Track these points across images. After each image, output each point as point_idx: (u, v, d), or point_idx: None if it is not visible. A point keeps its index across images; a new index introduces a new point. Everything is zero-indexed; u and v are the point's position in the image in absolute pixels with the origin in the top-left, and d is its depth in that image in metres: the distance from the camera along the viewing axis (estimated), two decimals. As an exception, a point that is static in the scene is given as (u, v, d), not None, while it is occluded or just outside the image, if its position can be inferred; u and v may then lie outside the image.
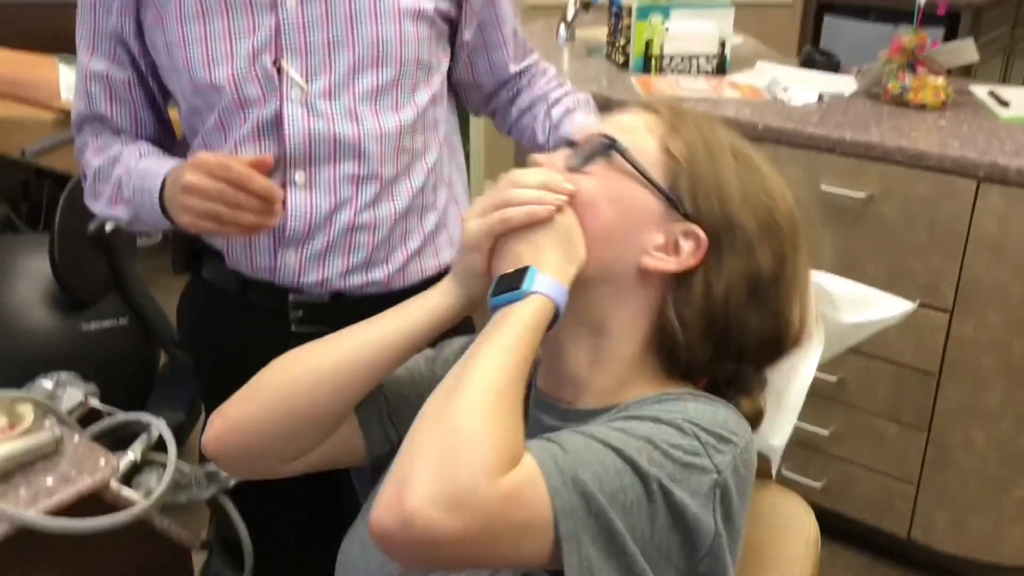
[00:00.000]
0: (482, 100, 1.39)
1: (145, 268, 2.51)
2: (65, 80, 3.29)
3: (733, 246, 0.84)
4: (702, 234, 0.84)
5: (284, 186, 1.16)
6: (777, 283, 0.87)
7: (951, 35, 3.62)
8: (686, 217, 0.84)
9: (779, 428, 1.04)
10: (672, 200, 0.85)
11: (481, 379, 0.72)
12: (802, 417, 2.22)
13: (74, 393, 1.26)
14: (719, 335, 0.85)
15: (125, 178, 1.20)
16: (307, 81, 1.14)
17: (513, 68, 1.35)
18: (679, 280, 0.84)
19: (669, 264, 0.84)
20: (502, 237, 0.84)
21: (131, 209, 1.21)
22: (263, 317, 1.25)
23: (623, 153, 0.86)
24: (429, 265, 1.28)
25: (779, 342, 0.89)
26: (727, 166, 0.87)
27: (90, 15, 1.20)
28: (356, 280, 1.22)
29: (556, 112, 1.34)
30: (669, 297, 0.85)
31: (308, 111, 1.15)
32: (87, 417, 1.31)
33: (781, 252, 0.87)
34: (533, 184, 0.83)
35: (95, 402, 1.31)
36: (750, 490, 0.80)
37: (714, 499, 0.75)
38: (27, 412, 1.10)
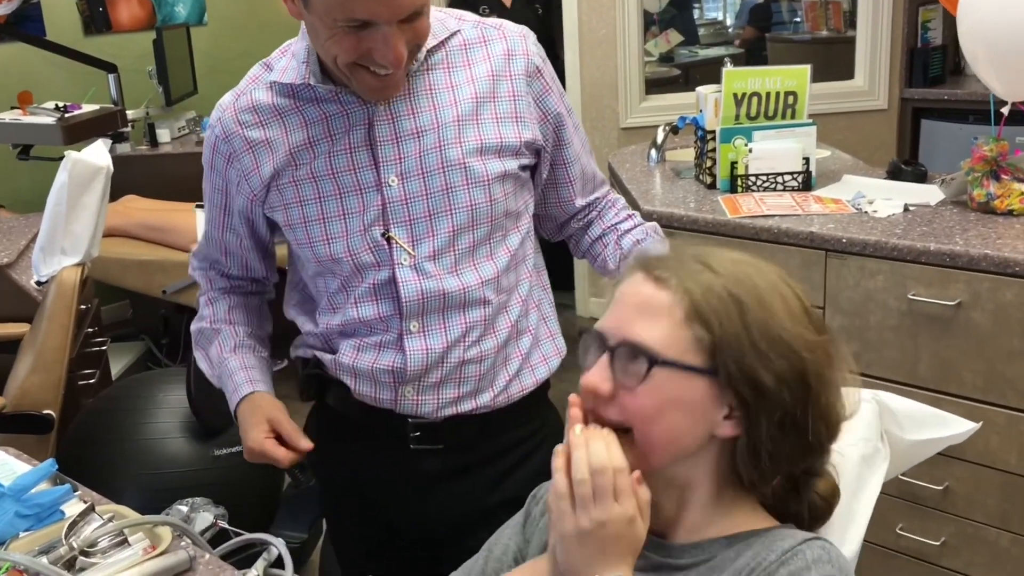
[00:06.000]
0: (555, 229, 1.51)
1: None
2: (201, 224, 3.61)
3: (782, 382, 0.91)
4: (754, 389, 0.90)
5: (401, 335, 1.30)
6: (826, 391, 0.94)
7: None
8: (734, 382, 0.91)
9: (849, 540, 1.08)
10: (719, 378, 0.91)
11: None
12: (911, 528, 2.20)
13: (206, 516, 1.41)
14: (789, 450, 0.94)
15: (216, 360, 1.44)
16: (413, 247, 1.27)
17: (580, 202, 1.46)
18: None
19: (739, 428, 0.92)
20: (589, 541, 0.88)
21: (216, 380, 1.46)
22: (384, 438, 1.37)
23: (667, 364, 0.91)
24: (528, 383, 1.38)
25: (834, 431, 0.98)
26: (742, 317, 0.92)
27: (218, 195, 1.38)
28: (466, 406, 1.34)
29: (626, 243, 1.45)
30: (739, 441, 0.93)
31: (417, 273, 1.28)
32: (218, 537, 1.45)
33: (820, 366, 0.93)
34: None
35: (224, 523, 1.45)
36: None
37: None
38: (166, 534, 1.24)
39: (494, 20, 1.34)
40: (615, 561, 0.88)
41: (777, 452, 0.93)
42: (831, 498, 1.02)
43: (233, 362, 1.42)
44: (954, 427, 1.17)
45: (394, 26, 1.13)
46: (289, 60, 1.29)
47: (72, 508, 1.26)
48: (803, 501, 1.00)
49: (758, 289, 0.94)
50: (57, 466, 1.30)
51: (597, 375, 0.94)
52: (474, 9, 1.38)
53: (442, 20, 1.29)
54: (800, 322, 0.94)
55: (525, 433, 1.41)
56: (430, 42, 1.25)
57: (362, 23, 1.12)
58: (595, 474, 0.88)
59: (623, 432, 0.93)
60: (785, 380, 0.91)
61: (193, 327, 1.48)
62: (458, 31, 1.30)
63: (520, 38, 1.33)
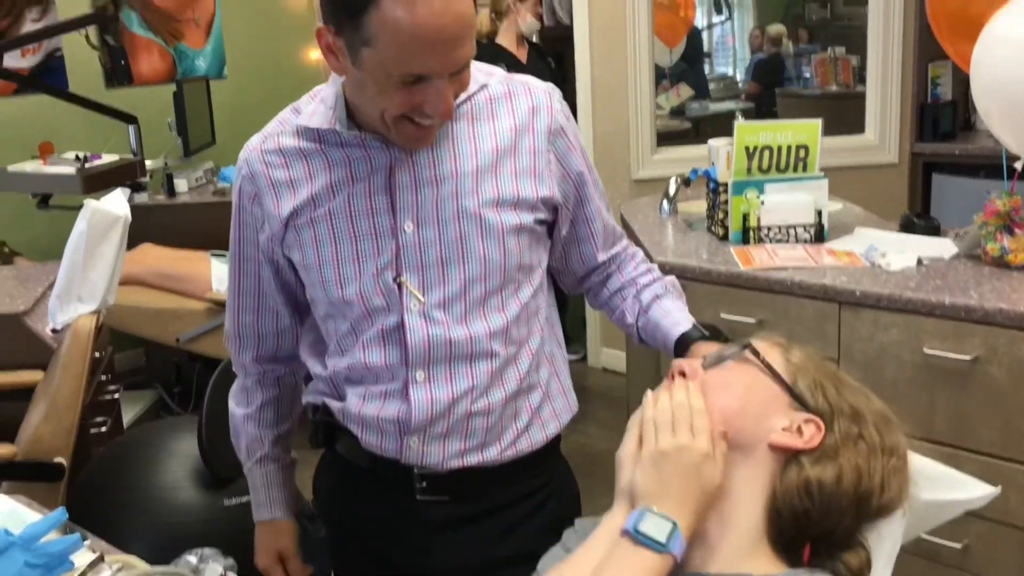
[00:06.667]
0: (575, 283, 1.51)
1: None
2: (216, 273, 3.64)
3: (840, 431, 1.04)
4: (820, 422, 1.03)
5: (407, 385, 1.30)
6: (876, 457, 1.03)
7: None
8: (806, 408, 1.05)
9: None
10: (795, 394, 1.06)
11: None
12: (929, 587, 2.14)
13: (215, 568, 1.40)
14: (829, 502, 0.99)
15: (243, 455, 1.53)
16: (423, 294, 1.28)
17: (601, 257, 1.47)
18: (797, 458, 1.02)
19: (796, 442, 1.02)
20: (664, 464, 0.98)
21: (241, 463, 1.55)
22: (391, 487, 1.37)
23: (757, 353, 1.09)
24: (537, 439, 1.38)
25: (877, 506, 1.03)
26: (826, 374, 1.10)
27: (248, 247, 1.39)
28: (473, 459, 1.33)
29: (645, 297, 1.45)
30: (789, 471, 1.01)
31: (426, 320, 1.28)
32: (226, 589, 1.44)
33: (876, 433, 1.05)
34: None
35: (232, 575, 1.44)
36: None
37: None
38: (175, 585, 1.24)
39: (521, 76, 1.35)
40: (677, 501, 0.96)
41: (841, 481, 1.00)
42: (860, 573, 1.03)
43: (258, 475, 1.52)
44: (972, 490, 1.16)
45: (445, 78, 1.15)
46: (317, 105, 1.30)
47: (82, 558, 1.25)
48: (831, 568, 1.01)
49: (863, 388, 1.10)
50: (68, 515, 1.30)
51: (690, 362, 1.12)
52: (494, 64, 1.40)
53: (471, 74, 1.31)
54: (884, 420, 1.07)
55: (534, 486, 1.39)
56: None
57: (416, 78, 1.14)
58: (675, 407, 1.02)
59: None
60: (861, 420, 1.05)
61: (232, 398, 1.54)
62: (485, 85, 1.32)
63: (545, 95, 1.34)
